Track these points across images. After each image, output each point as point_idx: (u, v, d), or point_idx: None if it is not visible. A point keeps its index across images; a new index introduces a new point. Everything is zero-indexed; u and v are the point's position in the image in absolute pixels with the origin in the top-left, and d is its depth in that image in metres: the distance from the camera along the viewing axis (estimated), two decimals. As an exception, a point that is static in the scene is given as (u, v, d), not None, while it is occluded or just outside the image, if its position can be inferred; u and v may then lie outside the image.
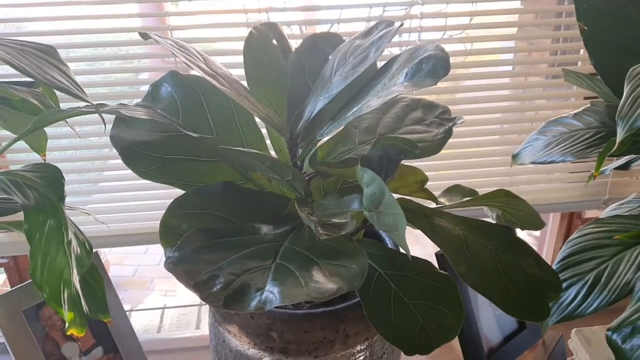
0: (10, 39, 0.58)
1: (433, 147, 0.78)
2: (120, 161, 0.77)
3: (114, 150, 0.78)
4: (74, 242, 0.62)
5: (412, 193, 0.82)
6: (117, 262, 2.55)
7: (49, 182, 0.57)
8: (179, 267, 0.58)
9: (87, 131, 1.22)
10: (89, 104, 0.56)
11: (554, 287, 0.69)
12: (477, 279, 0.68)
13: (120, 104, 0.79)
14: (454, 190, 0.88)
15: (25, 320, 0.92)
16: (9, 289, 1.01)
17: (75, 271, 0.61)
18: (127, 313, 1.05)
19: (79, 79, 1.22)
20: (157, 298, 2.26)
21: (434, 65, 0.60)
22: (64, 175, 0.60)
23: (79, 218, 1.21)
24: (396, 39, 1.23)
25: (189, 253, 0.61)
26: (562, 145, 0.85)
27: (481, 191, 1.32)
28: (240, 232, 0.68)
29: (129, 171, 0.77)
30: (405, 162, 0.80)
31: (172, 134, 0.78)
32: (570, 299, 0.78)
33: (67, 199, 1.26)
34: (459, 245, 0.71)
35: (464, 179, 1.35)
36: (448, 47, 1.34)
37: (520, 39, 1.37)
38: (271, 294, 0.54)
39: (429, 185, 0.86)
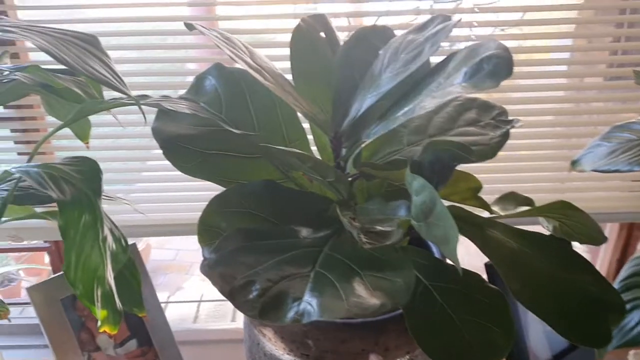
0: (52, 28, 0.56)
1: (488, 152, 0.73)
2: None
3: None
4: (110, 239, 0.60)
5: (464, 200, 0.77)
6: (159, 246, 2.59)
7: (86, 177, 0.56)
8: (215, 270, 0.55)
9: (130, 120, 1.21)
10: (129, 96, 0.54)
11: (616, 310, 0.64)
12: (531, 297, 0.63)
13: (163, 96, 0.77)
14: (508, 198, 0.83)
15: (62, 309, 0.92)
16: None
17: (109, 268, 0.59)
18: (163, 305, 1.03)
19: (125, 67, 1.23)
20: (196, 283, 2.28)
21: (496, 66, 0.55)
22: (102, 168, 0.58)
23: (118, 207, 1.21)
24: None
25: (226, 255, 0.58)
26: (629, 153, 0.78)
27: (532, 196, 1.26)
28: (279, 234, 0.65)
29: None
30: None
31: (215, 128, 0.75)
32: (635, 323, 0.72)
33: (108, 187, 1.27)
34: (513, 259, 0.66)
35: (513, 183, 1.29)
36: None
37: (578, 37, 1.29)
38: (309, 305, 0.51)
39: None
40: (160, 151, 0.75)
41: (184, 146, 0.76)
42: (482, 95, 0.89)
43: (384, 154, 0.80)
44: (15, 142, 1.23)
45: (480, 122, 0.78)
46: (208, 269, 0.55)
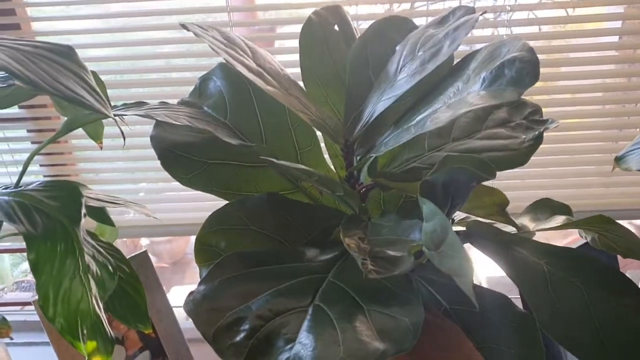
0: (23, 41, 0.51)
1: (519, 158, 0.64)
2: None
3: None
4: (94, 266, 0.56)
5: (489, 216, 0.69)
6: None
7: (62, 203, 0.51)
8: (201, 307, 0.50)
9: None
10: (105, 115, 0.49)
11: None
12: (563, 330, 0.56)
13: (161, 102, 0.73)
14: (542, 205, 0.75)
15: (69, 322, 0.89)
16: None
17: (94, 299, 0.55)
18: (175, 310, 1.00)
19: (137, 64, 1.19)
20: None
21: (519, 71, 0.48)
22: (81, 192, 0.54)
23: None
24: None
25: (216, 287, 0.53)
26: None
27: (570, 194, 1.17)
28: (280, 257, 0.59)
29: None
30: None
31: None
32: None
33: (118, 187, 1.22)
34: (543, 285, 0.58)
35: (548, 178, 1.20)
36: (545, 13, 1.17)
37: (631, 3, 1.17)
38: (303, 349, 0.45)
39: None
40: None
41: (185, 155, 0.71)
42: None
43: (402, 161, 0.72)
44: (32, 143, 1.21)
45: (510, 123, 0.69)
46: (193, 306, 0.49)
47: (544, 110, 1.23)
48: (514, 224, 0.67)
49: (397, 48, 0.71)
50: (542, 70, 1.19)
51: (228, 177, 0.71)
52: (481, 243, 0.63)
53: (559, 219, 0.71)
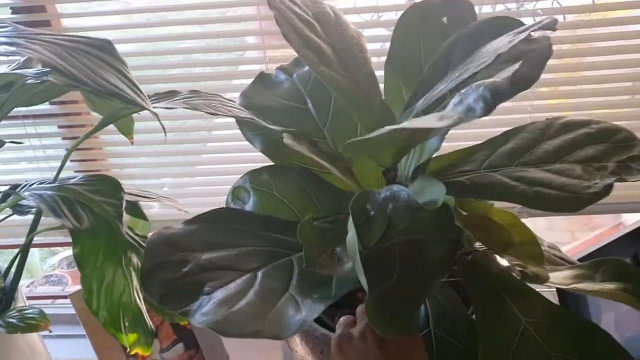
0: (62, 36, 0.52)
1: (571, 203, 0.55)
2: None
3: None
4: (135, 259, 0.56)
5: (522, 259, 0.60)
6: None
7: (105, 198, 0.52)
8: (160, 239, 0.52)
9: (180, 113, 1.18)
10: (147, 108, 0.49)
11: None
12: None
13: (192, 90, 0.74)
14: (611, 267, 0.62)
15: (105, 314, 0.91)
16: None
17: (136, 291, 0.56)
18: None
19: (158, 59, 1.19)
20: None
21: (476, 100, 0.45)
22: (122, 186, 0.54)
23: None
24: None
25: (189, 229, 0.54)
26: None
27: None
28: (267, 225, 0.60)
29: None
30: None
31: (295, 105, 0.73)
32: None
33: (142, 182, 1.23)
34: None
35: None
36: (570, 2, 1.13)
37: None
38: (209, 304, 0.47)
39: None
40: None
41: (256, 114, 0.71)
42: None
43: (454, 172, 0.65)
44: (63, 139, 1.22)
45: (596, 163, 0.60)
46: (155, 236, 0.51)
47: (568, 101, 1.21)
48: (540, 279, 0.59)
49: (482, 50, 0.61)
50: (567, 60, 1.16)
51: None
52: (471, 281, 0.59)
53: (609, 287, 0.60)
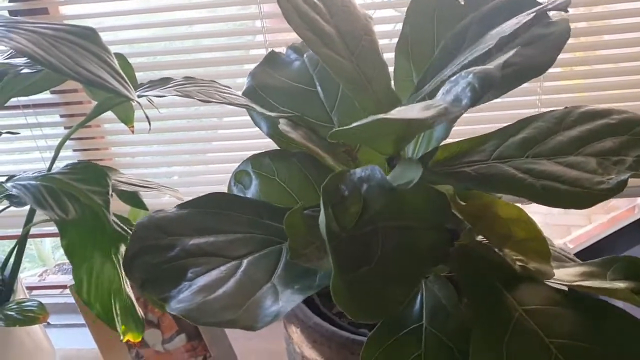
0: (44, 24, 0.51)
1: (581, 199, 0.51)
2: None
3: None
4: (124, 247, 0.55)
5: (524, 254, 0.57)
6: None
7: (91, 186, 0.51)
8: (151, 223, 0.50)
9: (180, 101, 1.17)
10: (130, 98, 0.48)
11: None
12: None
13: (186, 77, 0.72)
14: (622, 265, 0.58)
15: (106, 305, 0.91)
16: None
17: (125, 281, 0.55)
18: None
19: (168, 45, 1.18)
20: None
21: (464, 89, 0.42)
22: (107, 173, 0.53)
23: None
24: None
25: (181, 213, 0.53)
26: None
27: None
28: (261, 211, 0.58)
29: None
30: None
31: (305, 87, 0.71)
32: None
33: (153, 170, 1.22)
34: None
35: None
36: None
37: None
38: (187, 292, 0.46)
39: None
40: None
41: (263, 96, 0.70)
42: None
43: (463, 162, 0.61)
44: (65, 128, 1.22)
45: (612, 157, 0.55)
46: (146, 219, 0.50)
47: (583, 82, 1.18)
48: (543, 275, 0.55)
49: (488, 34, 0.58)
50: (582, 39, 1.13)
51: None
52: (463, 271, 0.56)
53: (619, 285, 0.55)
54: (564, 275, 0.56)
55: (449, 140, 0.60)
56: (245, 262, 0.50)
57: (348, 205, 0.47)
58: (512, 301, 0.52)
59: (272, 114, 0.66)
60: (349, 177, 0.50)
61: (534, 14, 0.52)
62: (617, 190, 0.50)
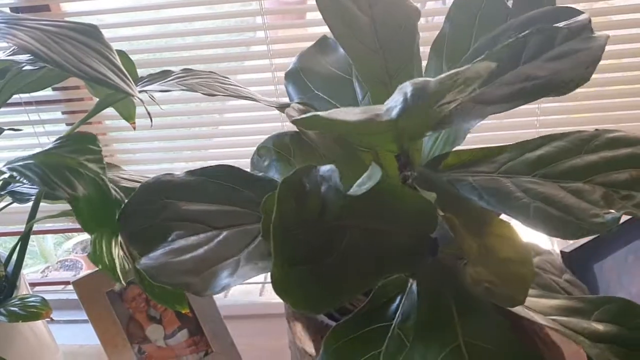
0: (47, 21, 0.51)
1: (571, 230, 0.48)
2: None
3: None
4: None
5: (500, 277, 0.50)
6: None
7: (85, 154, 0.53)
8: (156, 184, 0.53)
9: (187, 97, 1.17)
10: (132, 94, 0.48)
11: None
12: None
13: (185, 69, 0.73)
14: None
15: (109, 302, 0.91)
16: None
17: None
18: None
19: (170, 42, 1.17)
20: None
21: (397, 99, 0.42)
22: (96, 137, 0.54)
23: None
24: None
25: (194, 178, 0.56)
26: None
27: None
28: (262, 190, 0.57)
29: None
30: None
31: (344, 76, 0.71)
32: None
33: (154, 167, 1.22)
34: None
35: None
36: None
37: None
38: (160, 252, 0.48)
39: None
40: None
41: (303, 78, 0.71)
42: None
43: (475, 171, 0.59)
44: (67, 124, 1.22)
45: (621, 191, 0.51)
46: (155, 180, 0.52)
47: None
48: (508, 302, 0.49)
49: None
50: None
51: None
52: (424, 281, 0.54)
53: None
54: (540, 306, 0.54)
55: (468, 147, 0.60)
56: (224, 233, 0.52)
57: (308, 201, 0.47)
58: (456, 327, 0.50)
59: (276, 103, 0.67)
60: (313, 173, 0.49)
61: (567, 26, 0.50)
62: (609, 226, 0.47)
